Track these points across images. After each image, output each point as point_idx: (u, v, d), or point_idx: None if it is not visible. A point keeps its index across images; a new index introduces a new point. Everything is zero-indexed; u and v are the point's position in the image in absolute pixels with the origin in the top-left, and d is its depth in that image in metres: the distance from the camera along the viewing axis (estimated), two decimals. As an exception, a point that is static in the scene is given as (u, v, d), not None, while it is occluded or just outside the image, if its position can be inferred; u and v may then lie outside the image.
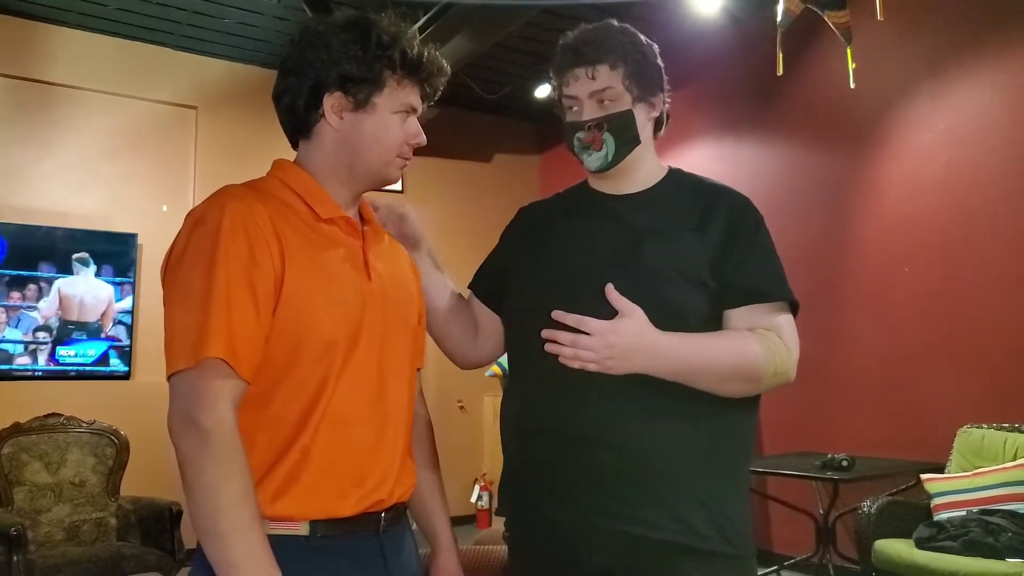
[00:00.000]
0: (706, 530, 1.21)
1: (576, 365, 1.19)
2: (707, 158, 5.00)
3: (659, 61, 1.37)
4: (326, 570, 1.09)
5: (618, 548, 1.21)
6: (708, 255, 1.28)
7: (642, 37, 1.37)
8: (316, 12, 4.14)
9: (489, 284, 1.48)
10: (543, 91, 5.65)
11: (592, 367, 1.18)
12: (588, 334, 1.18)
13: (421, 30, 4.25)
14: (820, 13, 3.45)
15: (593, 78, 1.31)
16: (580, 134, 1.34)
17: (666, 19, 4.65)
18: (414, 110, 1.22)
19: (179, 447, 1.00)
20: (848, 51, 3.50)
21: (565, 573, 1.26)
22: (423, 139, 1.22)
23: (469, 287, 1.52)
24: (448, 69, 1.25)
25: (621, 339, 1.17)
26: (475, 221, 6.23)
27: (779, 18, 3.41)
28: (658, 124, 1.40)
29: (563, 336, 1.20)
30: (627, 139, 1.33)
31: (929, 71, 3.98)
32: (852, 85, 3.55)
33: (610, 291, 1.20)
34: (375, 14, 1.20)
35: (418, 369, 1.36)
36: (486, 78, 5.41)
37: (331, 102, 1.17)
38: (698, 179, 1.41)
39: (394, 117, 1.19)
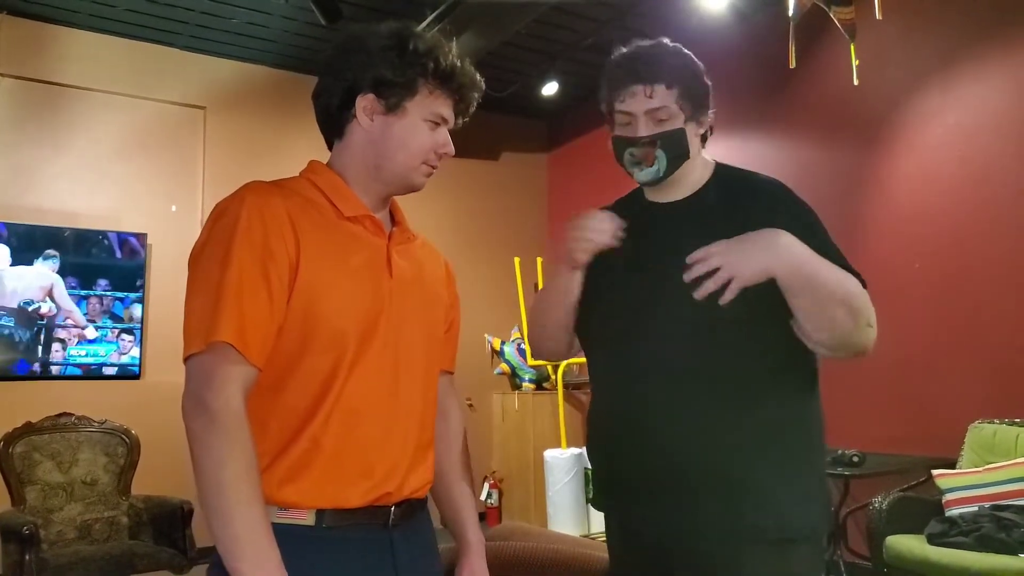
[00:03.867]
0: (770, 519, 1.27)
1: (708, 283, 1.25)
2: (715, 155, 4.98)
3: (708, 81, 1.44)
4: (331, 560, 1.11)
5: (694, 543, 1.30)
6: None
7: (693, 58, 1.43)
8: (327, 16, 4.15)
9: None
10: (551, 89, 5.65)
11: (721, 277, 1.24)
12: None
13: (429, 28, 4.25)
14: (826, 9, 3.44)
15: (651, 96, 1.36)
16: (633, 149, 1.39)
17: (673, 16, 4.63)
18: (444, 121, 1.24)
19: (189, 427, 1.04)
20: (852, 48, 3.49)
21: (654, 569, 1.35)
22: (451, 150, 1.25)
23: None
24: (482, 84, 1.28)
25: (731, 242, 1.25)
26: (483, 219, 6.24)
27: (791, 11, 3.41)
28: (703, 138, 1.47)
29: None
30: (678, 155, 1.39)
31: (939, 65, 3.95)
32: (856, 82, 3.53)
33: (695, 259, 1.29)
34: (413, 25, 1.24)
35: (450, 372, 1.38)
36: (494, 76, 5.41)
37: (363, 103, 1.21)
38: (740, 176, 1.47)
39: (423, 124, 1.22)
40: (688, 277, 1.26)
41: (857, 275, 1.32)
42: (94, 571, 3.35)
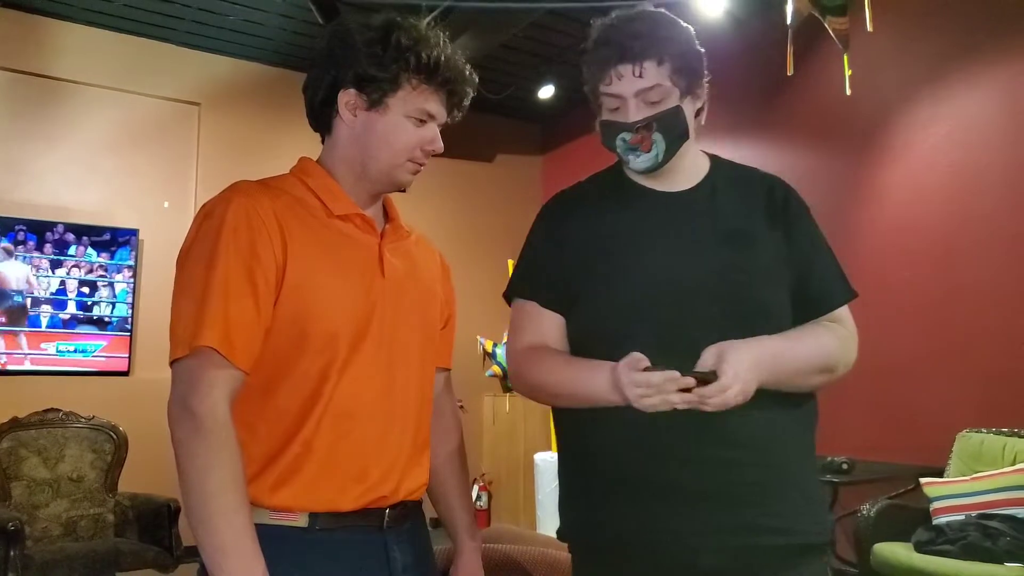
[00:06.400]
0: (807, 525, 1.19)
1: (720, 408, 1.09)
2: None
3: (700, 47, 1.28)
4: (324, 563, 1.10)
5: (741, 557, 1.15)
6: (783, 254, 1.26)
7: (682, 23, 1.28)
8: (325, 14, 4.15)
9: (554, 292, 1.32)
10: (547, 92, 5.66)
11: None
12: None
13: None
14: (821, 19, 3.47)
15: (640, 76, 1.21)
16: (625, 135, 1.25)
17: (670, 21, 4.65)
18: (431, 117, 1.20)
19: (174, 432, 1.02)
20: (845, 58, 3.51)
21: None
22: (439, 146, 1.22)
23: (529, 298, 1.34)
24: (474, 78, 1.24)
25: (745, 378, 1.08)
26: (477, 221, 6.24)
27: (789, 18, 3.43)
28: (699, 111, 1.30)
29: (709, 393, 1.06)
30: (676, 137, 1.25)
31: (930, 76, 3.97)
32: (848, 92, 3.55)
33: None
34: (408, 18, 1.20)
35: (446, 369, 1.36)
36: (490, 79, 5.42)
37: (345, 99, 1.18)
38: (741, 168, 1.37)
39: (407, 121, 1.18)
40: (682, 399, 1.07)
41: (847, 289, 1.28)
42: (79, 568, 3.33)
